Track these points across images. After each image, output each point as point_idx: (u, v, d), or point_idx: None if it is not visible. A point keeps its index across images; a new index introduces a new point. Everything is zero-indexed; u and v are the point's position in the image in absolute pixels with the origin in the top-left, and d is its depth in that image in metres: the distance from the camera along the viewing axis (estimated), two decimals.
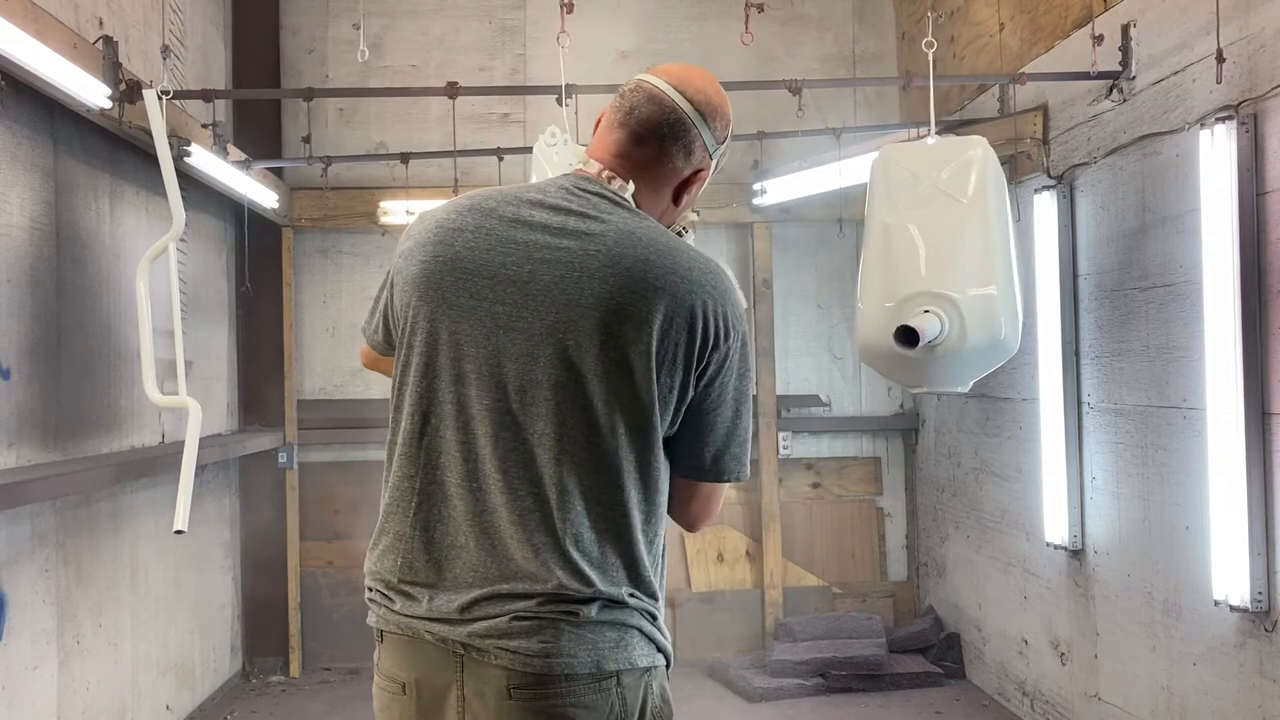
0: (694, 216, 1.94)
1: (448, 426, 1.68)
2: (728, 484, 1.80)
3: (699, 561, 6.16)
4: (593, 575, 1.63)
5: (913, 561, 6.32)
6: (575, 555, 1.63)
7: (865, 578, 6.27)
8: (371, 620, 1.78)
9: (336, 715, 5.28)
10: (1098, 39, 3.96)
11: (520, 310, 1.65)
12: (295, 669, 5.86)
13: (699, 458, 1.73)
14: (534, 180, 3.57)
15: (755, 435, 6.13)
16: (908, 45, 6.22)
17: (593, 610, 1.63)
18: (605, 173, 1.76)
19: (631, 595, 1.68)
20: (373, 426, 5.99)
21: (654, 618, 1.72)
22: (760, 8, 3.66)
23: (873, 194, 3.69)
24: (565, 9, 3.57)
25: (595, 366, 1.62)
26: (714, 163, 1.84)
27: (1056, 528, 4.44)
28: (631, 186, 1.76)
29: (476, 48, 6.24)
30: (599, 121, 1.84)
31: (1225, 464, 3.35)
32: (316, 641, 5.94)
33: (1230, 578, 3.35)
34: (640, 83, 1.80)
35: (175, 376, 3.94)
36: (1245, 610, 3.29)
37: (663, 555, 1.76)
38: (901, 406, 6.35)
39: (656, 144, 1.77)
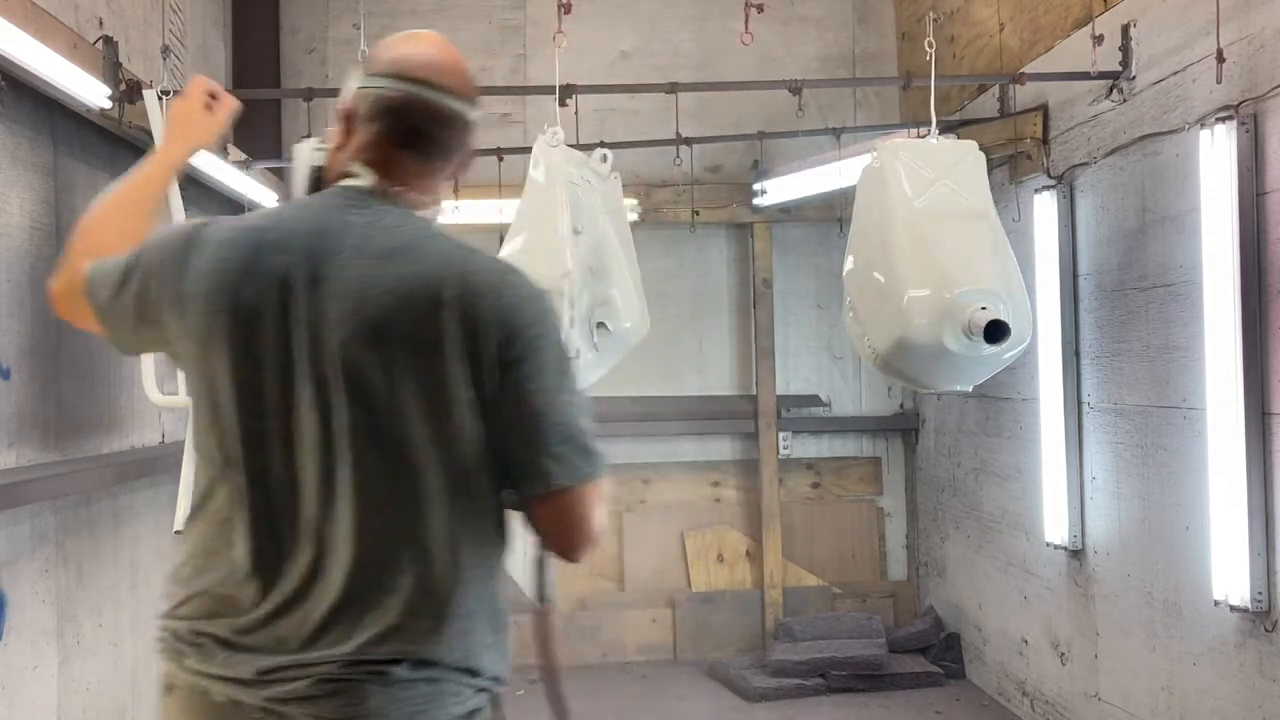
0: None
1: (237, 472, 1.57)
2: (590, 487, 1.61)
3: (699, 561, 6.16)
4: (400, 635, 1.52)
5: (913, 561, 6.32)
6: (380, 612, 1.52)
7: (865, 578, 6.27)
8: (160, 669, 1.65)
9: None
10: (1098, 39, 3.96)
11: (309, 337, 1.55)
12: None
13: (539, 463, 1.58)
14: (533, 173, 3.58)
15: (754, 435, 6.12)
16: (908, 45, 6.22)
17: (402, 669, 1.52)
18: (395, 189, 1.66)
19: (448, 654, 1.56)
20: None
21: (473, 671, 1.59)
22: (760, 8, 3.66)
23: (884, 184, 3.67)
24: (563, 9, 3.57)
25: (394, 395, 1.53)
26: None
27: (1056, 528, 4.44)
28: (428, 198, 1.70)
29: (476, 48, 6.24)
30: (348, 115, 1.70)
31: (1225, 464, 3.35)
32: None
33: (1230, 578, 3.35)
34: (409, 95, 1.66)
35: (175, 376, 3.94)
36: (1245, 610, 3.29)
37: (499, 589, 1.64)
38: (901, 406, 6.34)
39: (445, 155, 1.71)
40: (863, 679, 5.38)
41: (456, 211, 5.28)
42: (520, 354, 1.56)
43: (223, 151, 4.57)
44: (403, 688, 1.53)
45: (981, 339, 3.33)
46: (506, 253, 3.56)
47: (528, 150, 5.60)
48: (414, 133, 1.67)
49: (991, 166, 4.98)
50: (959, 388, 3.75)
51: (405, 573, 1.54)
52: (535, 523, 1.63)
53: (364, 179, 1.66)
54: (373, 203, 1.64)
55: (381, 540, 1.54)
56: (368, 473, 1.54)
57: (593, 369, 3.59)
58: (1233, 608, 3.34)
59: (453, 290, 1.55)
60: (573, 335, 3.47)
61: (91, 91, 3.60)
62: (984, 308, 3.36)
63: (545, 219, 3.47)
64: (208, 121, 2.15)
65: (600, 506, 1.64)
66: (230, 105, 2.18)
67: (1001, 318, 3.32)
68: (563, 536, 1.63)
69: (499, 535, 1.64)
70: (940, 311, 3.40)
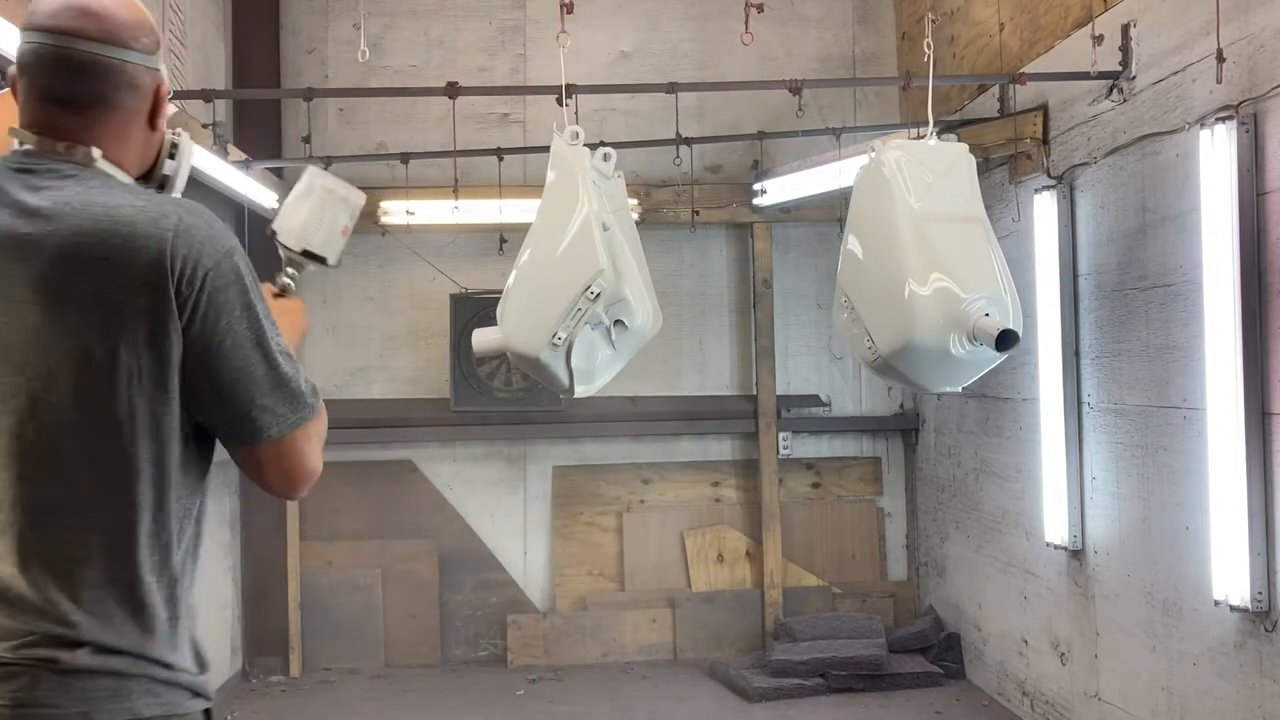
0: (172, 108, 1.74)
1: None
2: (301, 431, 1.57)
3: (699, 561, 6.16)
4: (76, 616, 1.44)
5: (913, 561, 6.32)
6: (53, 592, 1.44)
7: (865, 578, 6.27)
8: None
9: (336, 715, 5.28)
10: (1098, 39, 3.96)
11: None
12: (295, 669, 5.86)
13: (248, 418, 1.52)
14: (553, 173, 3.58)
15: (754, 435, 6.12)
16: (908, 45, 6.22)
17: (80, 656, 1.43)
18: (62, 145, 1.55)
19: (133, 640, 1.48)
20: (373, 426, 5.99)
21: (167, 664, 1.51)
22: (760, 8, 3.65)
23: (884, 185, 3.66)
24: (565, 9, 3.57)
25: (47, 364, 1.46)
26: (162, 67, 1.66)
27: (1056, 528, 4.44)
28: (97, 151, 1.57)
29: (476, 48, 6.24)
30: (13, 80, 1.61)
31: (1225, 464, 3.35)
32: (316, 641, 5.94)
33: (1230, 578, 3.35)
34: (38, 47, 1.54)
35: None
36: (1245, 610, 3.29)
37: (187, 575, 1.56)
38: (901, 406, 6.34)
39: (103, 105, 1.57)
40: (863, 679, 5.37)
41: (456, 211, 5.31)
42: (202, 311, 1.48)
43: (223, 151, 4.56)
44: (81, 678, 1.44)
45: (985, 345, 3.35)
46: (532, 256, 3.55)
47: (528, 150, 5.64)
48: (56, 86, 1.55)
49: (991, 166, 5.00)
50: (948, 388, 3.77)
51: (71, 549, 1.46)
52: (251, 472, 1.59)
53: (27, 141, 1.57)
54: (35, 165, 1.54)
55: (42, 515, 1.46)
56: (24, 446, 1.46)
57: (610, 366, 3.60)
58: (1233, 608, 3.34)
59: (106, 250, 1.45)
60: (594, 335, 3.48)
61: None
62: (988, 314, 3.38)
63: (572, 218, 3.47)
64: None
65: (314, 443, 1.60)
66: None
67: (1012, 326, 3.35)
68: (280, 482, 1.60)
69: (178, 504, 1.53)
70: (950, 317, 3.41)
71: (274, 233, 1.98)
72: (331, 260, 2.00)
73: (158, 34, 1.64)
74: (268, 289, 1.87)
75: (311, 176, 2.00)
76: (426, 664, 5.99)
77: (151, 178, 1.69)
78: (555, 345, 3.39)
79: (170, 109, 1.72)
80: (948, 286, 3.44)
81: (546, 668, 5.90)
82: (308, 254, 1.97)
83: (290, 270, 1.97)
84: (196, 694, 1.55)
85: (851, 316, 3.78)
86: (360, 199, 2.05)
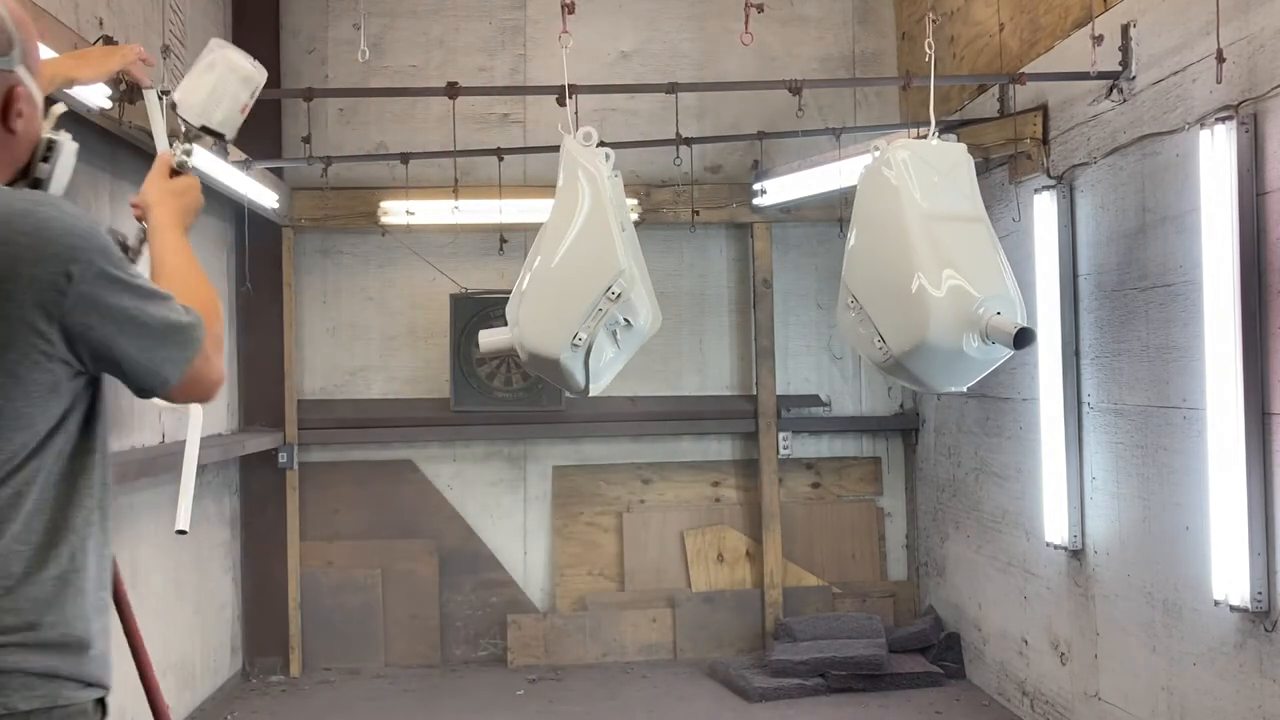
0: (59, 108, 1.72)
1: None
2: (198, 359, 1.62)
3: (699, 561, 6.16)
4: None
5: (913, 561, 6.32)
6: None
7: (865, 578, 6.27)
8: None
9: (336, 715, 5.28)
10: (1098, 39, 3.96)
11: None
12: (295, 669, 5.86)
13: (153, 375, 1.58)
14: (565, 175, 3.59)
15: (754, 435, 6.13)
16: (908, 45, 6.22)
17: None
18: None
19: (12, 623, 1.44)
20: (373, 426, 5.99)
21: (50, 647, 1.48)
22: (760, 8, 3.66)
23: (892, 184, 3.66)
24: (566, 9, 3.57)
25: None
26: (18, 68, 1.59)
27: (1056, 528, 4.44)
28: None
29: (476, 48, 6.24)
30: None
31: (1225, 464, 3.35)
32: (316, 641, 5.94)
33: (1230, 578, 3.35)
34: None
35: None
36: (1245, 610, 3.29)
37: (74, 560, 1.53)
38: (901, 406, 6.35)
39: None
40: (863, 679, 5.37)
41: (456, 211, 5.31)
42: (86, 306, 1.48)
43: (223, 151, 4.56)
44: None
45: (999, 343, 3.38)
46: (547, 259, 3.55)
47: (528, 150, 5.64)
48: None
49: (991, 166, 5.00)
50: (954, 388, 3.78)
51: None
52: (169, 401, 1.71)
53: None
54: None
55: None
56: None
57: (614, 365, 3.61)
58: (1233, 608, 3.34)
59: None
60: (603, 335, 3.48)
61: (92, 91, 3.60)
62: (999, 313, 3.39)
63: (588, 220, 3.47)
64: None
65: (214, 358, 1.69)
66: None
67: (1027, 325, 3.37)
68: (196, 399, 1.76)
69: (52, 490, 1.52)
70: (964, 316, 3.42)
71: (174, 105, 1.97)
72: (229, 137, 2.02)
73: (10, 34, 1.57)
74: (165, 161, 1.89)
75: (215, 50, 1.98)
76: (426, 664, 5.99)
77: (28, 179, 1.66)
78: (576, 346, 3.41)
79: (60, 107, 1.71)
80: (960, 285, 3.45)
81: (546, 668, 5.90)
82: (207, 129, 1.97)
83: (187, 145, 1.96)
84: (88, 684, 1.52)
85: (859, 316, 3.76)
86: (261, 76, 2.03)
